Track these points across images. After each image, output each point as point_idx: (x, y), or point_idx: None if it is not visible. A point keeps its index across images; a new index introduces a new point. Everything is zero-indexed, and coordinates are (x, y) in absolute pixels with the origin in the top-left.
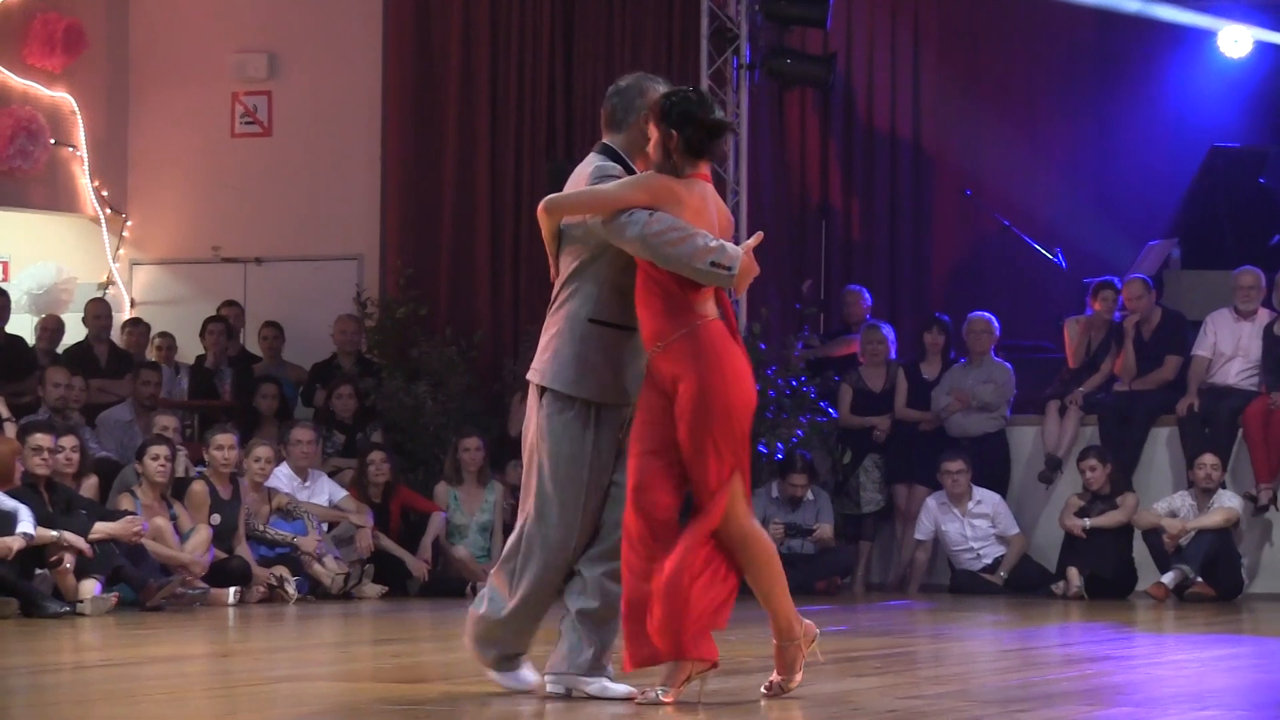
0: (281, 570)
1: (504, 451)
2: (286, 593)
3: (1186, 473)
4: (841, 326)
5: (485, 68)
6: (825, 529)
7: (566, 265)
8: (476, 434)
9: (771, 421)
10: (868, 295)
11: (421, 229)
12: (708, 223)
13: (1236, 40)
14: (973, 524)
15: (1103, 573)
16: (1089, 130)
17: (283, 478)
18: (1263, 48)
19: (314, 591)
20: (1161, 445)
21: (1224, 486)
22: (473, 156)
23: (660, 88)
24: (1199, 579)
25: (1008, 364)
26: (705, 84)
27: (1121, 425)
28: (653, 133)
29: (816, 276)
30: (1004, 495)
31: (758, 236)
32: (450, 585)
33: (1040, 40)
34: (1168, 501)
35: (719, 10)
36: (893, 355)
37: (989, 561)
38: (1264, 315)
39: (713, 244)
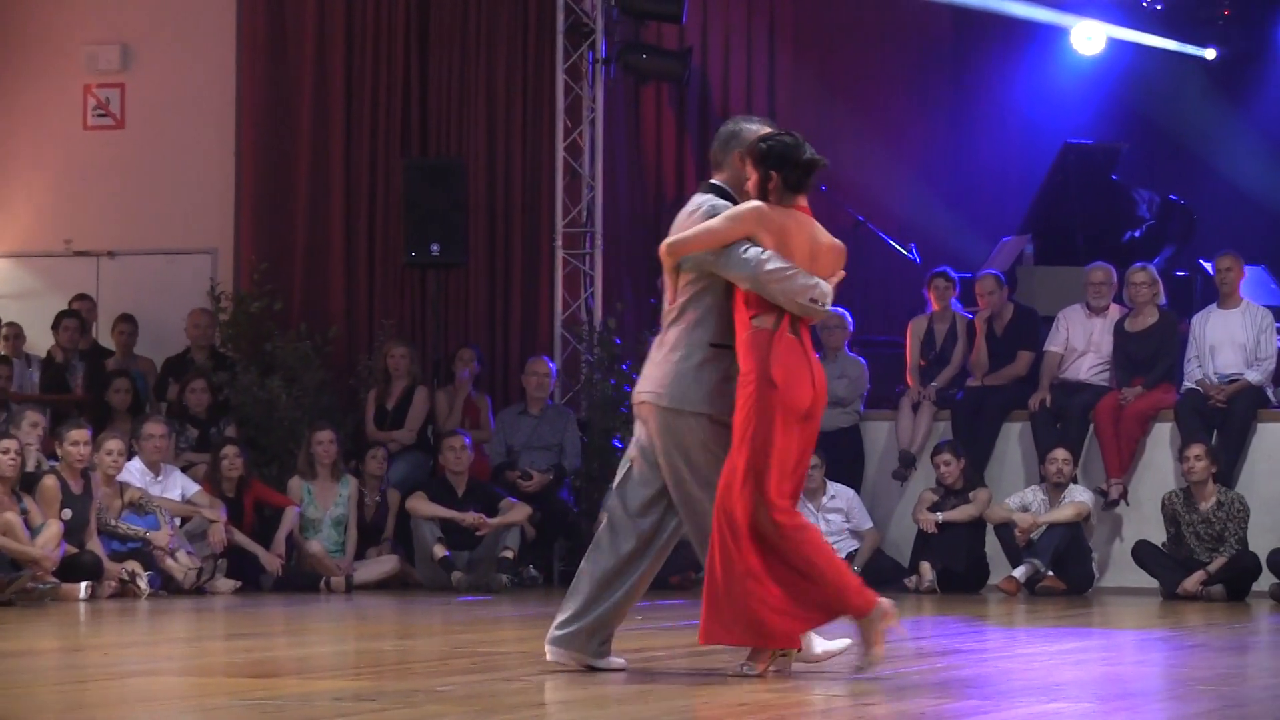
0: (134, 565)
1: (358, 445)
2: (139, 588)
3: (1038, 467)
4: None
5: (340, 62)
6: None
7: (685, 293)
8: (330, 428)
9: (627, 416)
10: None
11: (276, 223)
12: (791, 248)
13: (1089, 37)
14: (827, 519)
15: (955, 567)
16: (943, 126)
17: (135, 472)
18: (1115, 45)
19: (166, 586)
20: (1013, 440)
21: (1075, 481)
22: (327, 151)
23: (754, 127)
24: (1050, 573)
25: (861, 359)
26: (560, 79)
27: (974, 420)
28: (751, 173)
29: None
30: (858, 490)
31: (840, 275)
32: (304, 580)
33: (895, 37)
34: (1019, 496)
35: (574, 5)
36: None
37: (843, 556)
38: (1115, 311)
39: (811, 283)
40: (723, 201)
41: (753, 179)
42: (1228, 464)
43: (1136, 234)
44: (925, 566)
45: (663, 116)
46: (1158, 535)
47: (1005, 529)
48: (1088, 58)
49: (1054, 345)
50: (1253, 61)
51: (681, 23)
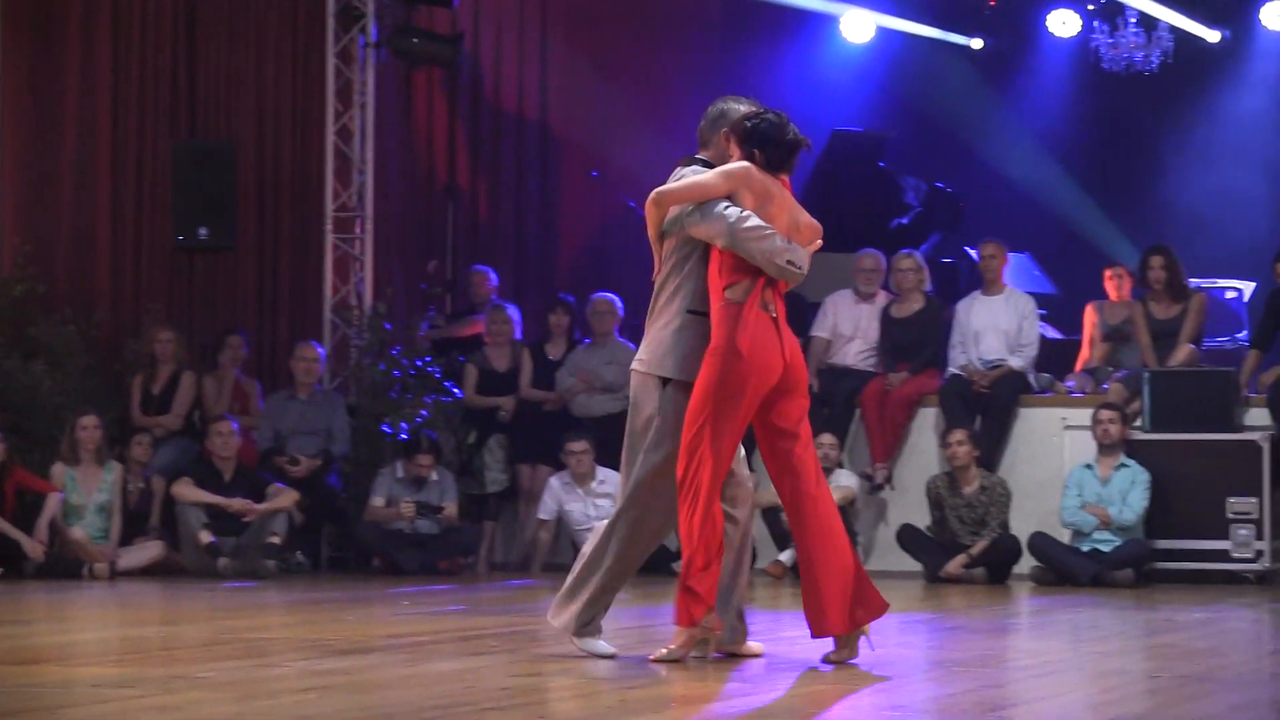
0: None
1: (124, 431)
2: None
3: None
4: (467, 307)
5: (107, 41)
6: (450, 509)
7: (668, 262)
8: (94, 413)
9: (396, 402)
10: (493, 275)
11: (40, 206)
12: (771, 213)
13: (859, 25)
14: (596, 504)
15: None
16: None
17: None
18: (884, 33)
19: None
20: None
21: (841, 466)
22: (94, 133)
23: (741, 108)
24: None
25: (631, 345)
26: (331, 62)
27: None
28: (734, 152)
29: (442, 257)
30: None
31: (815, 245)
32: (67, 566)
33: (667, 24)
34: None
35: None
36: (518, 335)
37: None
38: (882, 297)
39: (786, 245)
40: (707, 171)
41: (736, 156)
42: (990, 449)
43: (904, 221)
44: None
45: (434, 101)
46: (922, 519)
47: (771, 514)
48: (856, 46)
49: (821, 331)
50: (1019, 52)
51: (453, 7)
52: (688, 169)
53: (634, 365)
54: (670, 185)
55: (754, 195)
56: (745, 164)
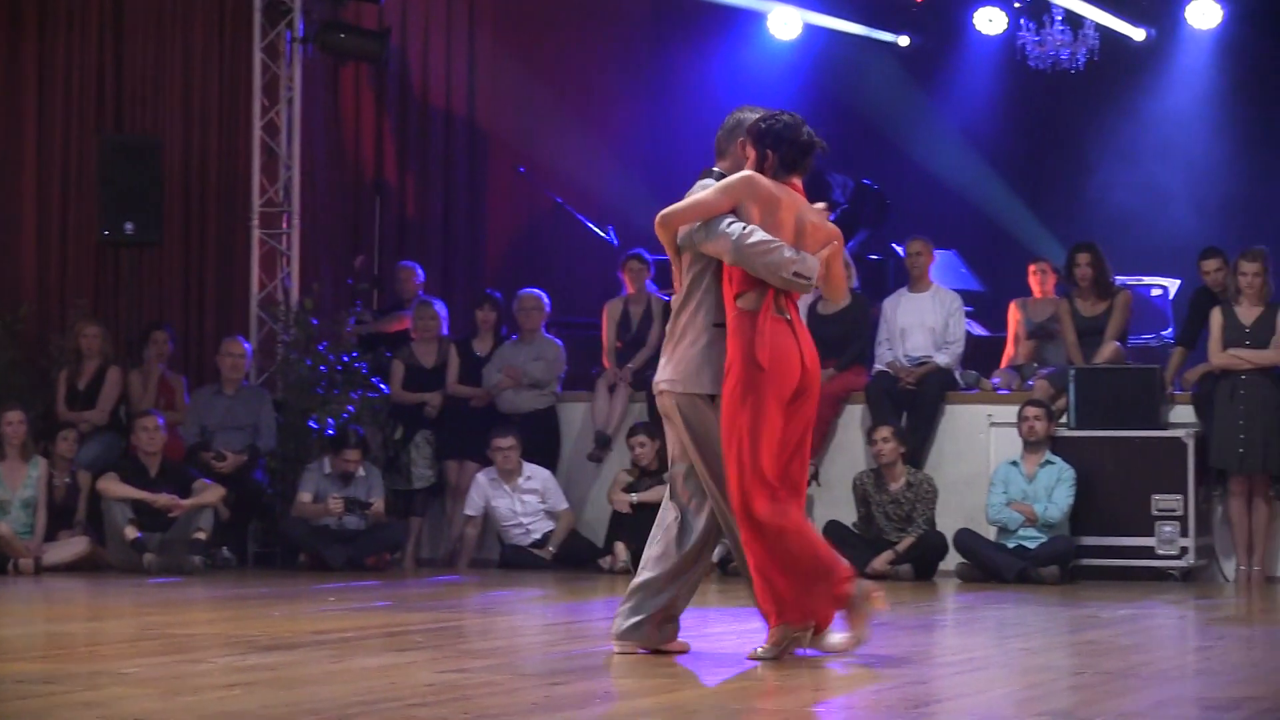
0: None
1: (49, 426)
2: None
3: None
4: (394, 302)
5: (33, 35)
6: (377, 504)
7: (686, 278)
8: (19, 408)
9: (323, 397)
10: (420, 271)
11: None
12: (778, 220)
13: (786, 22)
14: (523, 500)
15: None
16: (643, 110)
17: None
18: (811, 30)
19: None
20: None
21: None
22: (19, 127)
23: (753, 115)
24: None
25: (558, 341)
26: (258, 57)
27: None
28: (750, 153)
29: (370, 252)
30: (554, 471)
31: (833, 247)
32: None
33: (595, 21)
34: None
35: None
36: (444, 331)
37: (538, 537)
38: (810, 294)
39: (795, 255)
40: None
41: (751, 158)
42: (916, 445)
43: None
44: (620, 547)
45: (362, 97)
46: (848, 515)
47: None
48: (784, 43)
49: None
50: (945, 49)
51: (380, 3)
52: (702, 182)
53: (662, 386)
54: (673, 207)
55: (759, 205)
56: (748, 174)
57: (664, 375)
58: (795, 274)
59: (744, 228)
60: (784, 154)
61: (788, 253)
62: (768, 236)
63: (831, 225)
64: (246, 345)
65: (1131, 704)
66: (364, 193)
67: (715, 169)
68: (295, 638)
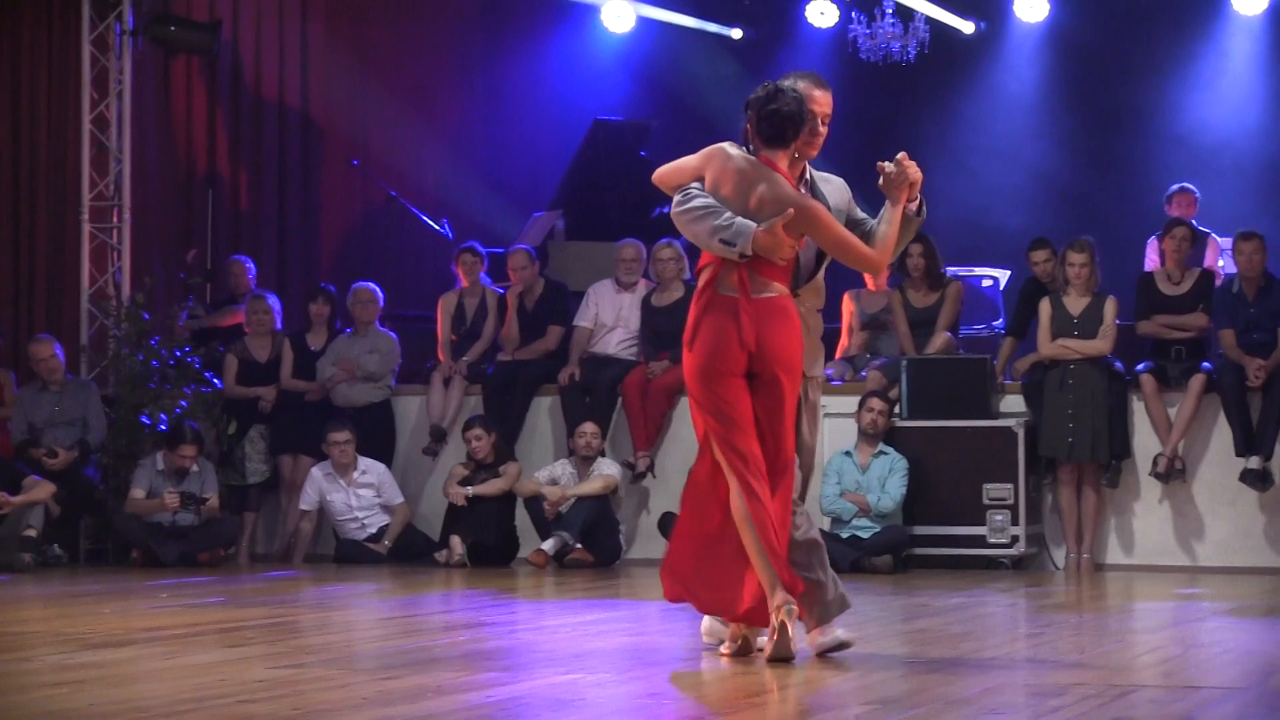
0: None
1: None
2: None
3: (567, 441)
4: (227, 297)
5: None
6: (212, 500)
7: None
8: None
9: (155, 392)
10: (252, 265)
11: None
12: (723, 194)
13: (619, 15)
14: (358, 494)
15: (485, 540)
16: (477, 103)
17: None
18: (644, 23)
19: None
20: (544, 414)
21: (603, 454)
22: None
23: (787, 83)
24: (579, 545)
25: (393, 334)
26: (87, 50)
27: (505, 395)
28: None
29: (202, 246)
30: (389, 465)
31: (786, 215)
32: None
33: (429, 12)
34: (549, 469)
35: None
36: (278, 325)
37: (374, 531)
38: (644, 286)
39: (724, 222)
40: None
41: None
42: None
43: (665, 210)
44: (455, 540)
45: (193, 89)
46: None
47: (535, 502)
48: (617, 36)
49: (584, 320)
50: (778, 42)
51: None
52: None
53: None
54: (661, 169)
55: (711, 172)
56: (722, 144)
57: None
58: (721, 241)
59: (685, 193)
60: (758, 125)
61: (717, 219)
62: (702, 203)
63: (806, 205)
64: (57, 345)
65: (960, 691)
66: (196, 186)
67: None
68: (127, 635)
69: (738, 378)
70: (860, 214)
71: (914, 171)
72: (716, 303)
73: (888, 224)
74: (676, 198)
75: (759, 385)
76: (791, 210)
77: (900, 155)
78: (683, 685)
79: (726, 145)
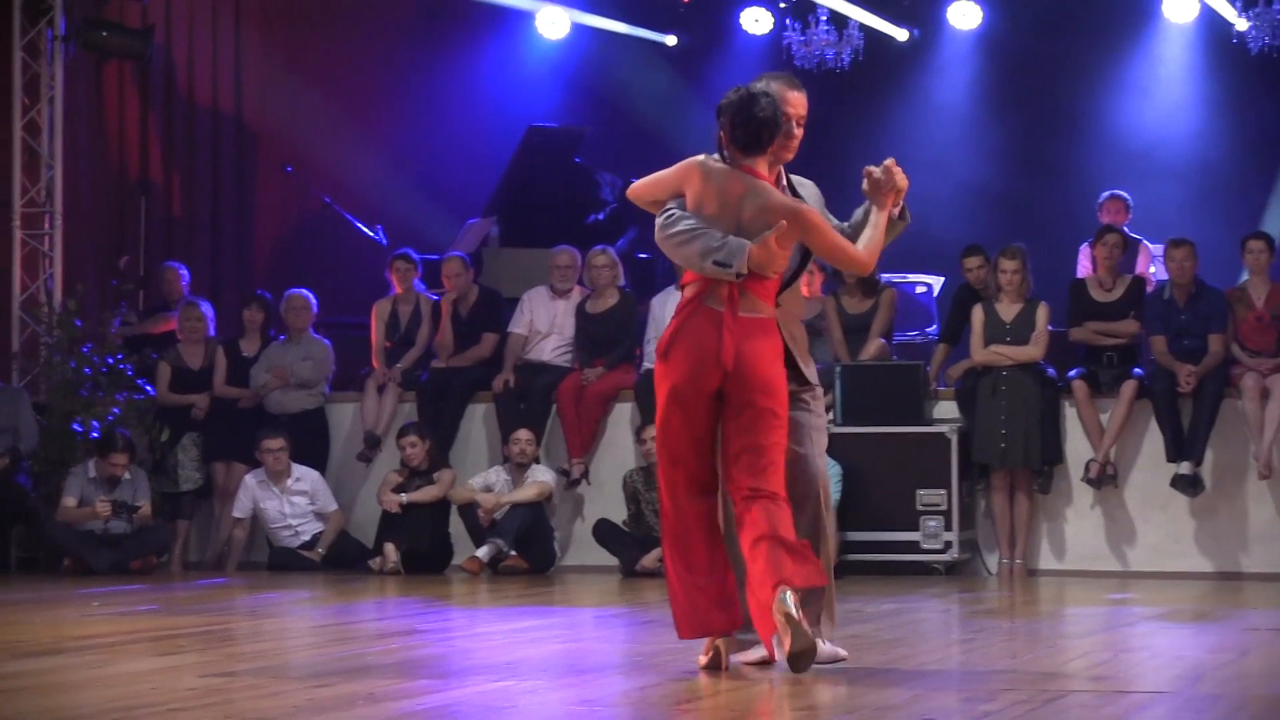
0: None
1: None
2: None
3: (502, 448)
4: (160, 303)
5: None
6: (145, 507)
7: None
8: None
9: (87, 400)
10: (186, 272)
11: None
12: (705, 212)
13: (554, 22)
14: (291, 501)
15: (419, 547)
16: (412, 109)
17: None
18: (579, 29)
19: None
20: (478, 421)
21: (538, 461)
22: None
23: (760, 85)
24: (513, 552)
25: (327, 341)
26: (18, 56)
27: (439, 401)
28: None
29: (135, 252)
30: (323, 472)
31: (779, 227)
32: None
33: (363, 18)
34: (483, 476)
35: None
36: (211, 332)
37: (307, 538)
38: (578, 293)
39: (716, 243)
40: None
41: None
42: None
43: (600, 216)
44: (389, 547)
45: (126, 95)
46: (618, 513)
47: (469, 509)
48: (552, 42)
49: (518, 327)
50: (712, 48)
51: (144, 1)
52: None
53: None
54: (636, 182)
55: (691, 191)
56: (698, 158)
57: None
58: (715, 263)
59: (667, 216)
60: (734, 132)
61: (710, 241)
62: (688, 225)
63: (791, 209)
64: None
65: (892, 697)
66: (129, 192)
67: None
68: (58, 643)
69: (707, 398)
70: (833, 218)
71: (901, 178)
72: (700, 313)
73: (874, 228)
74: (660, 220)
75: (730, 408)
76: (784, 222)
77: (888, 161)
78: (615, 692)
79: (702, 159)
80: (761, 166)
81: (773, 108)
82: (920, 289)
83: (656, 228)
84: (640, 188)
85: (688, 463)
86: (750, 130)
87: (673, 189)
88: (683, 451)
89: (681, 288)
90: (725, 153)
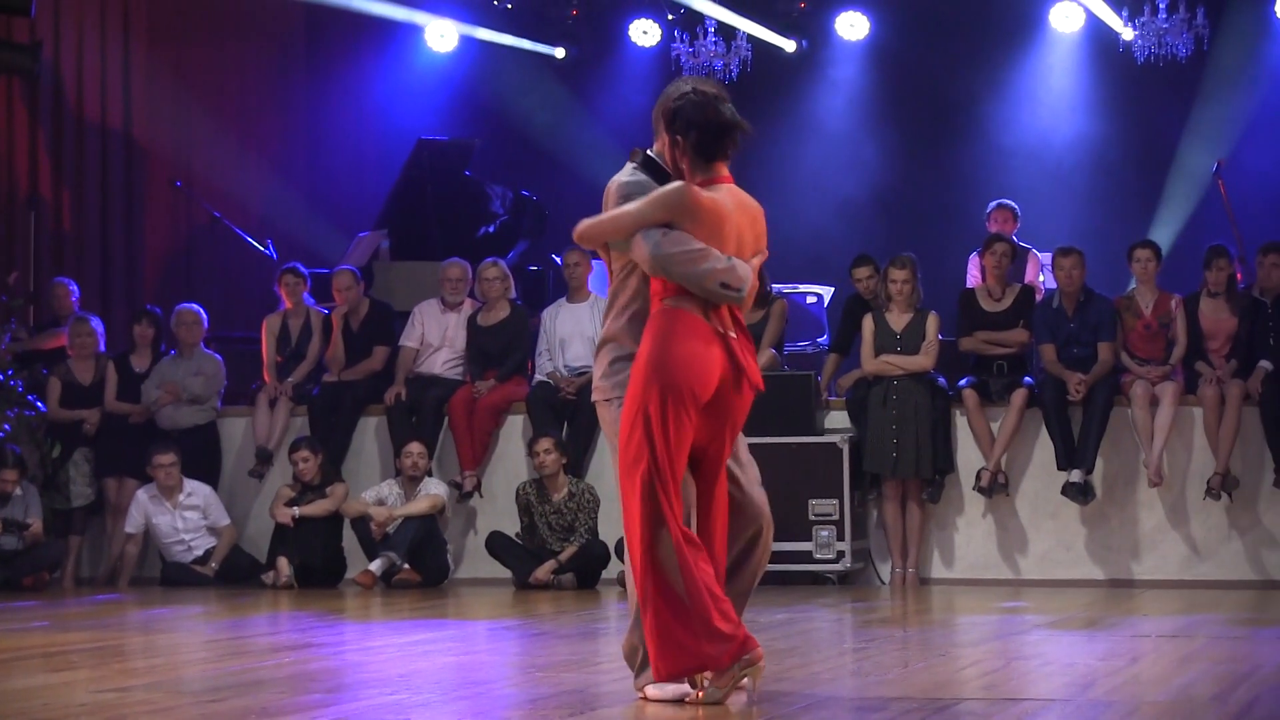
0: None
1: None
2: None
3: (394, 461)
4: (50, 319)
5: None
6: (35, 524)
7: (616, 279)
8: None
9: None
10: (75, 287)
11: None
12: (723, 237)
13: (442, 35)
14: (184, 516)
15: (312, 561)
16: (300, 124)
17: None
18: (467, 42)
19: None
20: (370, 434)
21: (430, 474)
22: None
23: (685, 87)
24: (406, 565)
25: (218, 355)
26: None
27: (331, 415)
28: (663, 136)
29: (25, 268)
30: (215, 487)
31: (763, 255)
32: None
33: (251, 33)
34: (376, 490)
35: None
36: (102, 348)
37: (200, 553)
38: (469, 306)
39: (722, 265)
40: (643, 178)
41: (662, 142)
42: (578, 455)
43: (490, 229)
44: (283, 562)
45: (14, 111)
46: (511, 526)
47: (362, 523)
48: (441, 55)
49: (409, 340)
50: (601, 61)
51: (31, 16)
52: (629, 167)
53: (596, 397)
54: (592, 222)
55: (703, 226)
56: (680, 187)
57: (596, 383)
58: (723, 285)
59: (663, 233)
60: (699, 140)
61: (711, 262)
62: (692, 245)
63: (755, 209)
64: None
65: (784, 707)
66: (18, 208)
67: (649, 150)
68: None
69: (698, 410)
70: None
71: None
72: (699, 329)
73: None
74: (662, 236)
75: (710, 423)
76: (765, 254)
77: None
78: (508, 705)
79: (687, 191)
80: (724, 169)
81: (732, 110)
82: (810, 299)
83: (653, 243)
84: (603, 230)
85: (678, 474)
86: (717, 136)
87: (657, 223)
88: (682, 461)
89: (654, 295)
90: (678, 165)
